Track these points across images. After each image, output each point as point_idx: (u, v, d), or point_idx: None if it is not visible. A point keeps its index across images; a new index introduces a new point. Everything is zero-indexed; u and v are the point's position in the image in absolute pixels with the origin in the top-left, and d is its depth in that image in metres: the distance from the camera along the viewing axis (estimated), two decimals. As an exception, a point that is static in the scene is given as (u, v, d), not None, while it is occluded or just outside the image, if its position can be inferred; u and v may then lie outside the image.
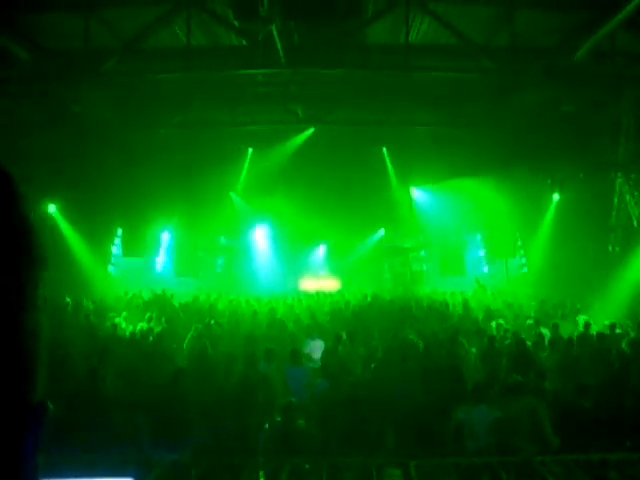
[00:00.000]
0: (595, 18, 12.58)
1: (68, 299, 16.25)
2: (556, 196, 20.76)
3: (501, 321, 13.83)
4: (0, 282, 0.67)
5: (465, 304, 16.98)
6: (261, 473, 5.58)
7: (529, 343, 11.65)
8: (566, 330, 12.85)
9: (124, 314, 15.08)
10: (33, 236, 0.74)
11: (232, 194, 25.32)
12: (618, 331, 12.71)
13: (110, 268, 21.95)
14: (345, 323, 13.90)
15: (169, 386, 8.07)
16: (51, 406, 0.77)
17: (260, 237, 26.85)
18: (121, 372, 9.61)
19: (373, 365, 9.37)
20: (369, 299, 19.55)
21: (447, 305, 17.48)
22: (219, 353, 10.52)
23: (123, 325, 13.91)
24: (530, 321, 14.09)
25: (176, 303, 18.07)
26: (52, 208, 17.75)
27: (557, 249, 20.18)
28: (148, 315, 14.34)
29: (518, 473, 5.48)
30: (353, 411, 7.45)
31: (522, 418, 6.81)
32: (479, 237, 24.53)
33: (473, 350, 11.05)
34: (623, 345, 11.09)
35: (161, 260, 24.39)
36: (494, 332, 12.76)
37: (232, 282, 25.78)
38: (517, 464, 5.70)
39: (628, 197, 18.65)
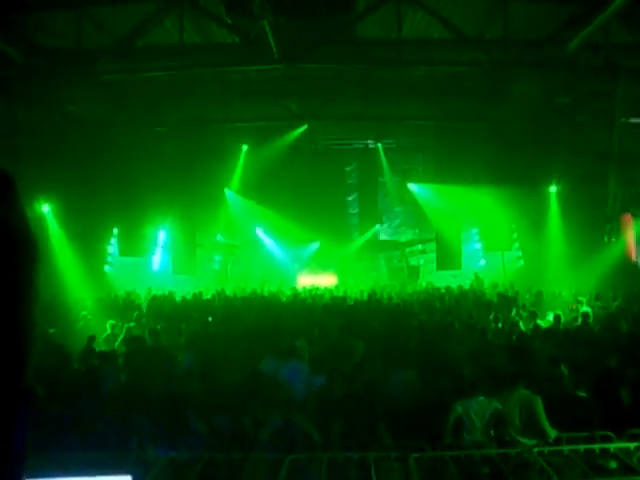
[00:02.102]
0: (588, 10, 12.58)
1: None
2: (553, 188, 20.86)
3: (499, 315, 13.88)
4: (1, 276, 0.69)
5: (459, 297, 17.03)
6: (260, 469, 5.58)
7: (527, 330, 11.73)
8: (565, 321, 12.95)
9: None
10: (29, 232, 0.75)
11: (227, 190, 25.30)
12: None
13: (106, 268, 21.90)
14: (342, 318, 13.90)
15: (168, 384, 8.07)
16: (40, 391, 0.78)
17: (257, 234, 26.88)
18: (120, 371, 9.61)
19: (370, 360, 9.36)
20: (365, 295, 19.57)
21: (443, 299, 17.53)
22: (217, 350, 10.52)
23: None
24: (525, 313, 14.13)
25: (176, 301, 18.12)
26: (46, 208, 17.67)
27: (554, 241, 20.23)
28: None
29: (517, 465, 5.48)
30: (350, 406, 7.45)
31: (519, 410, 6.82)
32: (475, 231, 24.56)
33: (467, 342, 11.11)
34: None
35: (158, 259, 24.34)
36: (492, 325, 12.78)
37: (229, 279, 25.80)
38: (516, 456, 5.71)
39: (620, 189, 18.67)
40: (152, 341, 11.27)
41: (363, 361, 9.60)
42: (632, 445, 5.77)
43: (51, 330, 12.49)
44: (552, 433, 6.56)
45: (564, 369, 8.36)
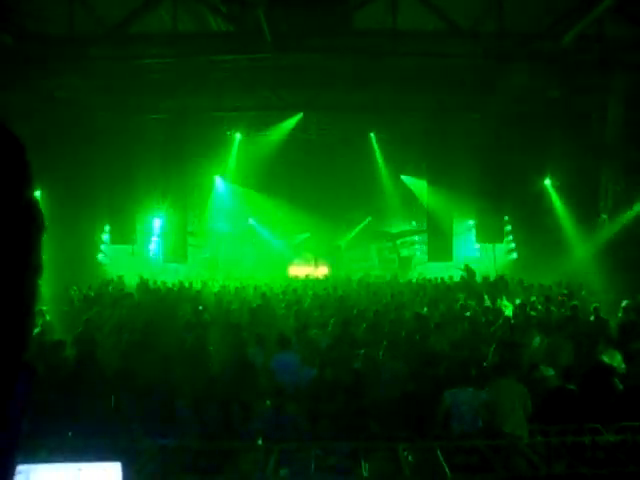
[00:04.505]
0: (583, 3, 12.56)
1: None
2: (547, 181, 20.99)
3: (488, 303, 13.98)
4: (7, 246, 0.71)
5: (450, 288, 17.14)
6: (250, 458, 5.60)
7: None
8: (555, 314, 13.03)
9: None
10: (36, 203, 0.79)
11: (220, 179, 25.28)
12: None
13: (99, 256, 21.90)
14: (332, 309, 13.94)
15: (159, 373, 8.07)
16: (38, 369, 0.79)
17: (249, 223, 26.92)
18: (112, 358, 9.61)
19: (362, 351, 9.38)
20: (354, 285, 19.64)
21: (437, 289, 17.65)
22: (208, 340, 10.53)
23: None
24: (509, 307, 14.25)
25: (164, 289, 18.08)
26: (37, 194, 17.57)
27: (547, 233, 20.32)
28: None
29: (506, 456, 5.52)
30: (341, 397, 7.48)
31: (510, 401, 6.86)
32: (470, 222, 24.65)
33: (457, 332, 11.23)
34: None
35: (154, 247, 24.42)
36: (482, 318, 12.83)
37: (220, 267, 25.80)
38: (505, 447, 5.75)
39: (612, 183, 18.74)
40: (145, 330, 11.24)
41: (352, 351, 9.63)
42: (620, 437, 5.82)
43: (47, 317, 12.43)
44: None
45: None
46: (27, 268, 0.81)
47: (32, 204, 0.84)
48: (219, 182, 25.62)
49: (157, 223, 24.30)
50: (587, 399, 7.11)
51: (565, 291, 15.82)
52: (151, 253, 24.47)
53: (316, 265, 26.27)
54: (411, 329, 10.98)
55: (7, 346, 0.77)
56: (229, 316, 13.05)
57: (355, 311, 13.17)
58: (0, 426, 0.77)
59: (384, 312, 12.85)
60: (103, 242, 22.01)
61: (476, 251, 25.18)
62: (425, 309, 13.76)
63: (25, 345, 0.81)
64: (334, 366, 8.34)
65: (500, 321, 11.84)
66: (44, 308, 13.08)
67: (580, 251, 19.01)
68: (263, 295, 15.68)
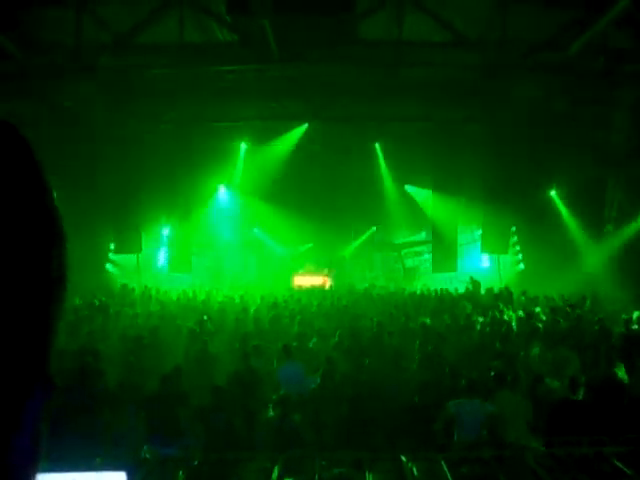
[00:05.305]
0: (588, 14, 12.60)
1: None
2: (553, 192, 20.97)
3: (495, 313, 13.97)
4: (29, 256, 0.72)
5: (455, 299, 17.10)
6: (254, 468, 5.59)
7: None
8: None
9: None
10: (57, 212, 0.80)
11: (225, 189, 25.30)
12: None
13: (107, 265, 21.97)
14: (335, 319, 13.92)
15: (163, 382, 8.07)
16: (58, 383, 0.79)
17: (254, 233, 26.92)
18: (115, 368, 9.61)
19: (367, 360, 9.38)
20: (359, 295, 19.60)
21: (442, 300, 17.60)
22: (213, 350, 10.54)
23: None
24: (513, 314, 14.24)
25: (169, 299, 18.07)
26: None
27: (554, 244, 20.27)
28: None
29: (510, 466, 5.49)
30: (345, 406, 7.47)
31: (511, 411, 6.85)
32: (477, 233, 24.57)
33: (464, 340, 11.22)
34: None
35: (163, 256, 24.49)
36: (487, 329, 12.80)
37: (224, 278, 25.76)
38: (509, 458, 5.72)
39: (619, 193, 18.74)
40: (150, 339, 11.24)
41: (358, 362, 9.61)
42: (626, 449, 5.79)
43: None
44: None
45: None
46: (48, 277, 0.81)
47: (50, 208, 0.85)
48: (224, 192, 25.63)
49: (165, 233, 24.37)
50: (596, 412, 7.08)
51: (568, 302, 15.78)
52: (159, 263, 24.51)
53: (320, 275, 26.18)
54: (422, 340, 10.96)
55: (25, 357, 0.78)
56: (234, 325, 13.06)
57: (361, 321, 13.18)
58: (19, 439, 0.78)
59: (388, 323, 12.82)
60: (111, 251, 22.06)
61: (485, 262, 24.99)
62: (428, 320, 13.71)
63: (45, 356, 0.82)
64: (339, 376, 8.35)
65: (502, 330, 11.83)
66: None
67: (587, 262, 19.01)
68: (275, 305, 15.65)
